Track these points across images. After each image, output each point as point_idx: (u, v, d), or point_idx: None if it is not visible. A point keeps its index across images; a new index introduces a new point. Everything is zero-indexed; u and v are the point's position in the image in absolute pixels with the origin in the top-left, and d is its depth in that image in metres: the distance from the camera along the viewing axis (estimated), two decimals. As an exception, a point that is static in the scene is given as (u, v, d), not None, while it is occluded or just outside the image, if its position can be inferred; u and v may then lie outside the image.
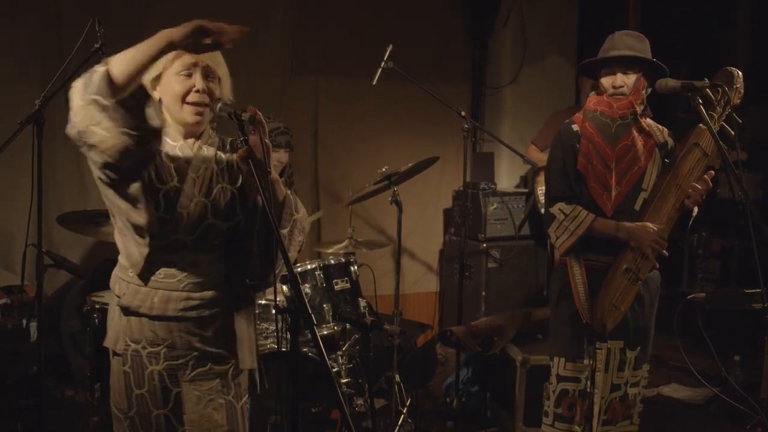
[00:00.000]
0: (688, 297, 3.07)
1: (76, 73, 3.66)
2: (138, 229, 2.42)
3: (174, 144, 2.49)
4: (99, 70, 2.18)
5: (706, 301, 3.09)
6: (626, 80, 3.36)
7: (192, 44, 2.15)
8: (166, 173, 2.44)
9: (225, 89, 2.52)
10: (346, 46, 6.00)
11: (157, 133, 2.36)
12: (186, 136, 2.52)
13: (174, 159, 2.47)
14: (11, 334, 4.40)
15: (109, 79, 2.16)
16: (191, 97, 2.44)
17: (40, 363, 3.69)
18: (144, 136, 2.28)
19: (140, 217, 2.38)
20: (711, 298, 3.09)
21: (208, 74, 2.46)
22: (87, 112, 2.18)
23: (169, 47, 2.15)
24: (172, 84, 2.42)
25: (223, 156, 2.57)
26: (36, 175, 3.57)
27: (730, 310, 3.04)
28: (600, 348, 3.32)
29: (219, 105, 2.38)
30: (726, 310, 3.08)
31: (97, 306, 3.88)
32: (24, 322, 4.39)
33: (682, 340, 3.38)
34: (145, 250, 2.43)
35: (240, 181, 2.56)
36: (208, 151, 2.55)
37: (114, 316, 2.56)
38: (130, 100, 2.23)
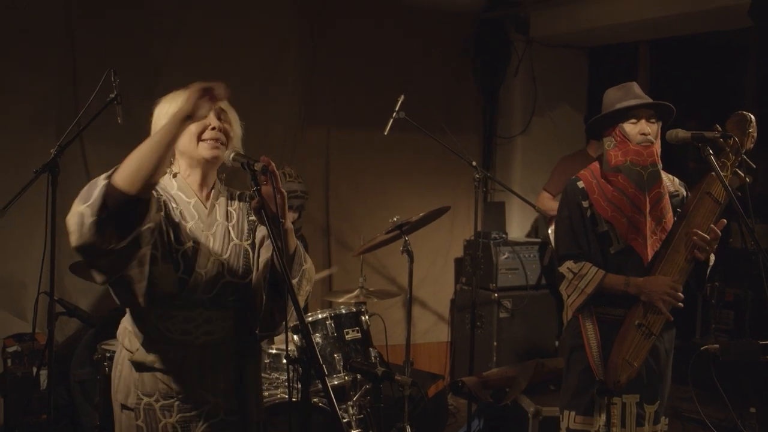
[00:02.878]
0: (702, 348, 3.04)
1: (91, 123, 3.76)
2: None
3: (188, 201, 2.50)
4: (101, 183, 2.11)
5: (721, 353, 3.05)
6: (651, 128, 3.30)
7: (204, 107, 2.19)
8: (183, 234, 2.44)
9: (236, 141, 2.54)
10: (357, 96, 6.06)
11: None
12: (200, 188, 2.53)
13: (188, 218, 2.48)
14: (21, 382, 4.38)
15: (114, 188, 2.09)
16: (207, 135, 2.46)
17: (50, 411, 3.67)
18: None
19: (140, 292, 2.32)
20: (725, 349, 3.06)
21: (220, 115, 2.50)
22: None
23: (187, 121, 2.18)
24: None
25: (234, 212, 2.59)
26: (49, 224, 3.59)
27: (745, 362, 3.00)
28: (615, 403, 3.28)
29: (233, 155, 2.36)
30: (741, 361, 3.05)
31: (108, 354, 3.88)
32: (34, 370, 4.38)
33: (697, 392, 3.34)
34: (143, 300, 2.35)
35: (252, 237, 2.57)
36: (220, 207, 2.56)
37: (123, 369, 2.52)
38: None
